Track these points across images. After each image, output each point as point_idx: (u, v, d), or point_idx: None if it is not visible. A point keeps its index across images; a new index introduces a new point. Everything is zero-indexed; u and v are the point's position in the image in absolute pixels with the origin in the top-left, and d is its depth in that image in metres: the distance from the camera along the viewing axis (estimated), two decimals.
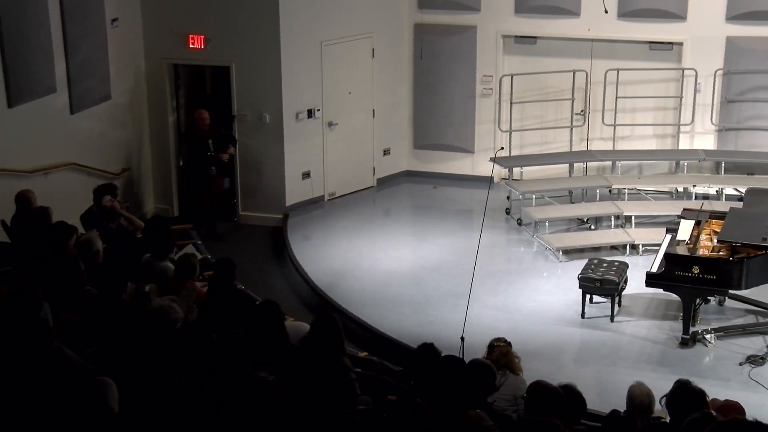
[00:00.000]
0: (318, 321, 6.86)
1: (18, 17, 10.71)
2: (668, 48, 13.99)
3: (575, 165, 13.93)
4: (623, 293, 10.82)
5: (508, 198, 13.72)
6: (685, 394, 5.98)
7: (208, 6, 13.15)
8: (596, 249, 12.22)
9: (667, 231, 10.88)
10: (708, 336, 10.03)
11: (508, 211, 13.64)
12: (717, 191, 13.39)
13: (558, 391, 5.81)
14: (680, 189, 13.76)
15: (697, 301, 10.20)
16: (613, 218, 12.88)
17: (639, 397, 6.31)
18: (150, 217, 10.62)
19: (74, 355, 5.83)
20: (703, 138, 13.98)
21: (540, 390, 5.78)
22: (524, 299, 11.14)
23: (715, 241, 10.04)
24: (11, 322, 5.39)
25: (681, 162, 13.87)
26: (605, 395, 8.77)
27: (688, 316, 9.93)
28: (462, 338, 8.67)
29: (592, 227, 13.00)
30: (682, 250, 10.02)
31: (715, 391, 7.26)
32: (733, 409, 6.51)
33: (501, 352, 7.44)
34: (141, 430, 4.97)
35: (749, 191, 11.95)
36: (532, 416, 5.51)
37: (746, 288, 9.93)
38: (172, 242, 9.31)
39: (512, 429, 5.72)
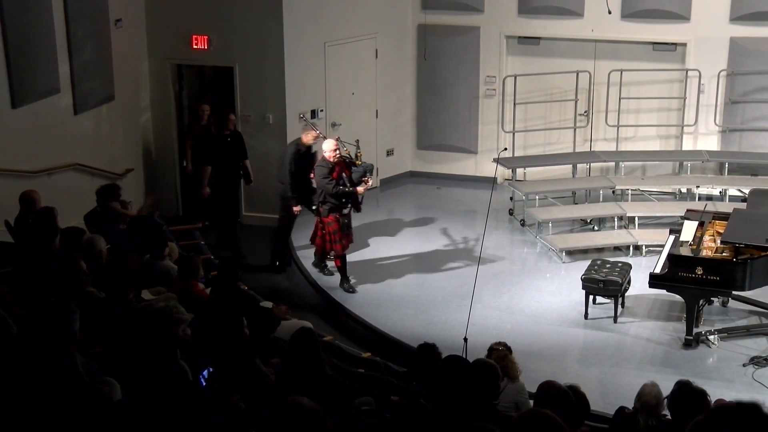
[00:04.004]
0: (294, 337, 6.73)
1: (22, 18, 10.72)
2: (672, 49, 13.99)
3: (579, 166, 13.93)
4: (626, 294, 10.82)
5: (511, 199, 13.72)
6: (685, 394, 5.97)
7: (212, 7, 13.16)
8: (599, 250, 12.22)
9: (671, 232, 10.88)
10: (711, 337, 10.02)
11: (511, 212, 13.65)
12: (720, 192, 13.38)
13: (567, 392, 5.81)
14: (684, 190, 13.76)
15: (701, 302, 10.18)
16: (616, 219, 12.88)
17: (646, 396, 6.29)
18: (134, 217, 10.45)
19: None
20: (706, 139, 13.97)
21: (550, 390, 5.78)
22: (528, 300, 11.14)
23: (719, 242, 10.03)
24: (41, 326, 5.39)
25: (684, 163, 13.87)
26: (609, 396, 8.78)
27: (692, 317, 9.92)
28: (465, 339, 8.67)
29: (596, 228, 13.00)
30: (685, 251, 10.01)
31: (719, 392, 7.27)
32: None
33: (498, 356, 7.39)
34: (144, 429, 4.97)
35: (753, 192, 11.95)
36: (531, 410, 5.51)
37: (750, 289, 9.92)
38: (164, 239, 9.28)
39: (511, 425, 5.70)
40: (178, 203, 13.84)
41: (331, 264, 11.62)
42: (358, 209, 11.32)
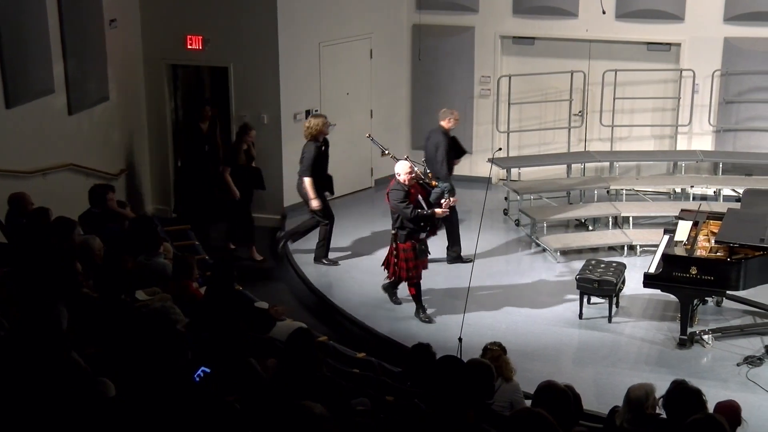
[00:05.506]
0: (291, 337, 6.71)
1: (16, 18, 10.71)
2: (666, 49, 14.00)
3: (573, 166, 13.93)
4: (621, 294, 10.83)
5: (506, 199, 13.73)
6: (681, 393, 5.99)
7: (207, 7, 13.15)
8: (594, 250, 12.24)
9: (665, 232, 10.89)
10: (706, 337, 10.03)
11: (506, 212, 13.65)
12: (715, 192, 13.40)
13: (566, 392, 5.82)
14: (678, 190, 13.78)
15: (695, 301, 10.21)
16: (611, 219, 12.89)
17: (630, 392, 6.26)
18: (135, 217, 10.48)
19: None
20: (700, 139, 13.99)
21: (549, 390, 5.79)
22: (522, 300, 11.14)
23: (713, 241, 10.04)
24: (30, 326, 5.40)
25: (679, 163, 13.88)
26: (604, 396, 8.78)
27: (686, 316, 9.93)
28: (460, 339, 8.66)
29: (590, 228, 13.01)
30: (680, 251, 10.02)
31: (714, 392, 7.26)
32: (729, 408, 6.51)
33: (493, 356, 7.39)
34: (139, 428, 4.97)
35: (747, 192, 11.97)
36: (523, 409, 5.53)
37: (744, 289, 9.92)
38: (157, 238, 9.29)
39: (503, 423, 5.71)
40: (171, 203, 13.83)
41: (404, 293, 10.95)
42: (434, 232, 10.74)
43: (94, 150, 12.35)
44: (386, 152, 11.50)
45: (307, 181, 11.64)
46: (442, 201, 10.47)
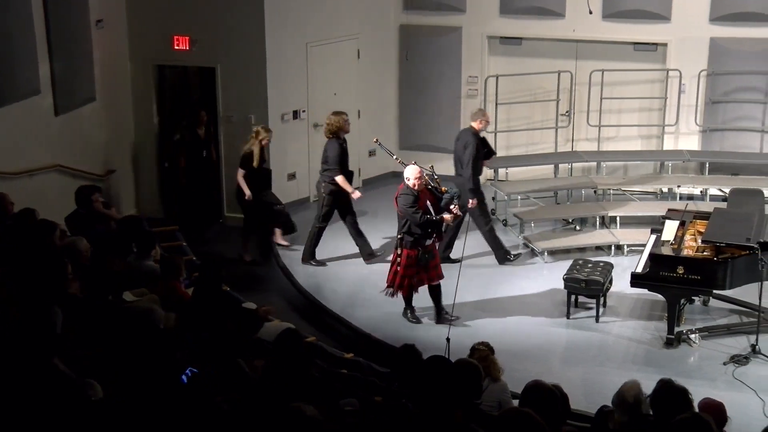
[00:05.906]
0: (279, 338, 6.70)
1: (1, 18, 10.66)
2: (653, 49, 14.05)
3: (560, 166, 13.96)
4: (609, 293, 10.85)
5: (493, 199, 13.74)
6: (667, 392, 6.00)
7: (194, 7, 13.13)
8: (581, 249, 12.26)
9: (652, 231, 10.92)
10: (693, 336, 10.06)
11: (493, 212, 13.65)
12: (701, 192, 13.44)
13: (554, 391, 5.83)
14: (665, 190, 13.81)
15: (682, 301, 10.23)
16: (598, 219, 12.91)
17: (624, 394, 6.28)
18: (122, 218, 10.45)
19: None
20: (687, 139, 14.04)
21: (537, 389, 5.80)
22: (510, 300, 11.15)
23: (700, 241, 10.07)
24: (21, 323, 5.37)
25: (666, 163, 13.92)
26: (592, 396, 8.79)
27: (673, 316, 9.96)
28: (448, 339, 8.68)
29: (578, 228, 13.03)
30: (666, 251, 10.06)
31: (702, 391, 7.27)
32: (714, 407, 6.52)
33: (480, 356, 7.39)
34: (126, 430, 4.96)
35: (733, 192, 12.02)
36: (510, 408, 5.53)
37: (730, 288, 9.96)
38: (152, 239, 9.28)
39: (491, 423, 5.72)
40: (157, 204, 13.80)
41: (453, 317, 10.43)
42: (440, 237, 10.56)
43: (81, 151, 12.32)
44: (394, 157, 11.50)
45: (340, 179, 11.81)
46: (451, 207, 10.28)
